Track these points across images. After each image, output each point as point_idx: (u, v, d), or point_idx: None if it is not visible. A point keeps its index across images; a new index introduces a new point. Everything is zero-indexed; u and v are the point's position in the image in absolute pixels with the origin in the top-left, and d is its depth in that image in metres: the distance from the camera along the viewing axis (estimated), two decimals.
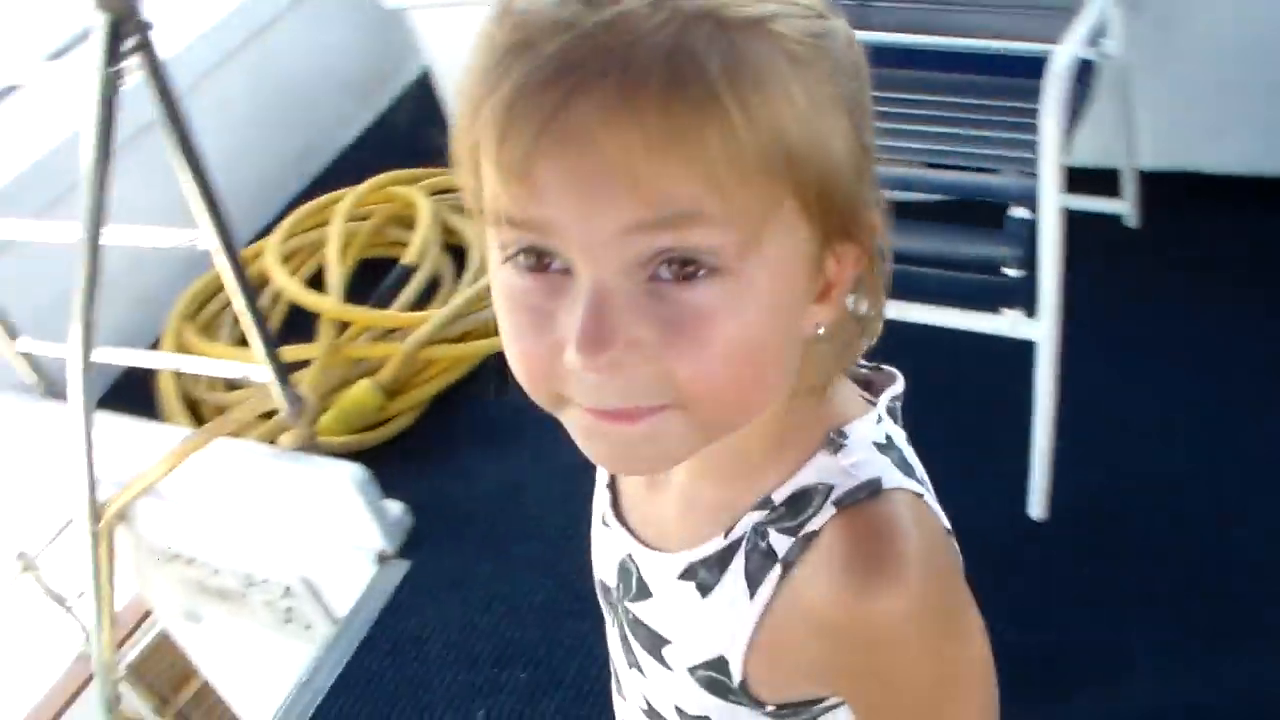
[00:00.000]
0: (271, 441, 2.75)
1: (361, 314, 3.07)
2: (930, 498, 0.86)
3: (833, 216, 0.75)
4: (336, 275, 3.24)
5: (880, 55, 0.83)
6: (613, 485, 1.02)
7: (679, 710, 0.98)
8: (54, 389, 3.24)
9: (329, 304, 3.08)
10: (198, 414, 3.24)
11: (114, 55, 2.07)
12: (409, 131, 4.06)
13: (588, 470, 0.95)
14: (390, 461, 2.74)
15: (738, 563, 0.86)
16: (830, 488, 0.83)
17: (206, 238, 2.32)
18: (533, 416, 0.82)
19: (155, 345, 3.32)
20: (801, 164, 0.70)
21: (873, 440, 0.86)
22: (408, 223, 3.54)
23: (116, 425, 3.03)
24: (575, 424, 0.78)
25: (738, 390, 0.75)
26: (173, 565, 3.48)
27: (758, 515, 0.86)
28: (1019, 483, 2.34)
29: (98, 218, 2.44)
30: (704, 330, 0.70)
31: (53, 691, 5.86)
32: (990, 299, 2.19)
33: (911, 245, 1.80)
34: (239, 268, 2.39)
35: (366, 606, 2.70)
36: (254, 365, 2.64)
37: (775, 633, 0.85)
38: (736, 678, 0.88)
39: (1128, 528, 2.35)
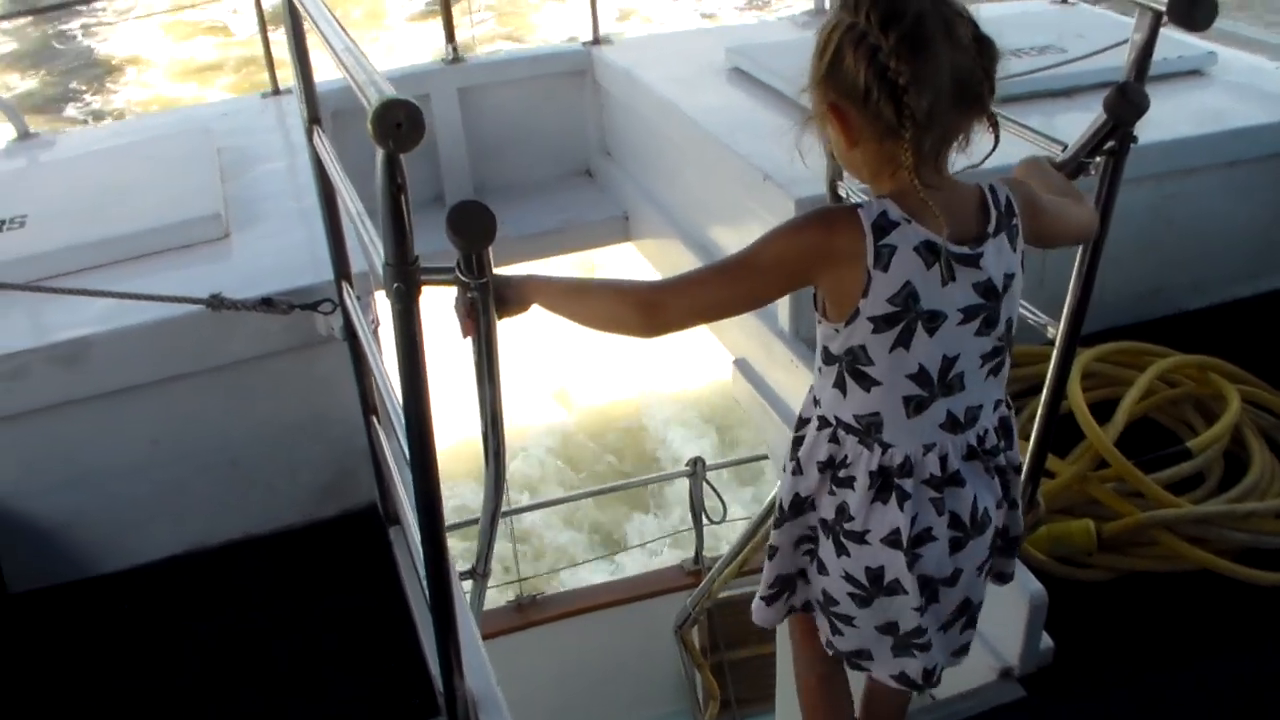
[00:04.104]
0: None
1: (1126, 466, 3.06)
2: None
3: None
4: (1122, 416, 3.26)
5: None
6: None
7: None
8: None
9: (1103, 438, 3.10)
10: None
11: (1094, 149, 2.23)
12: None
13: None
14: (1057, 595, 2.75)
15: None
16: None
17: (1059, 325, 2.43)
18: None
19: None
20: None
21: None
22: (1206, 410, 3.51)
23: None
24: None
25: None
26: None
27: None
28: None
29: None
30: None
31: (645, 578, 6.40)
32: None
33: None
34: (1068, 362, 2.47)
35: (968, 703, 2.74)
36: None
37: None
38: None
39: None
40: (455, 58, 5.20)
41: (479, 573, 3.07)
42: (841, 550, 1.98)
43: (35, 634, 3.07)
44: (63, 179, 4.10)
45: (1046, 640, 2.74)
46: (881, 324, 1.78)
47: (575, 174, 5.60)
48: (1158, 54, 2.19)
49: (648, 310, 1.84)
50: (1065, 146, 2.29)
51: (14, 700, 2.88)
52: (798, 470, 2.02)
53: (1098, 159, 2.24)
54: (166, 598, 3.18)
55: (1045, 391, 2.52)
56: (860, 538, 1.94)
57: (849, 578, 2.00)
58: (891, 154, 1.72)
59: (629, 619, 5.92)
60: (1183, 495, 3.12)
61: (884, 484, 1.90)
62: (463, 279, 1.78)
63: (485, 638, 2.94)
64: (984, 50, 1.71)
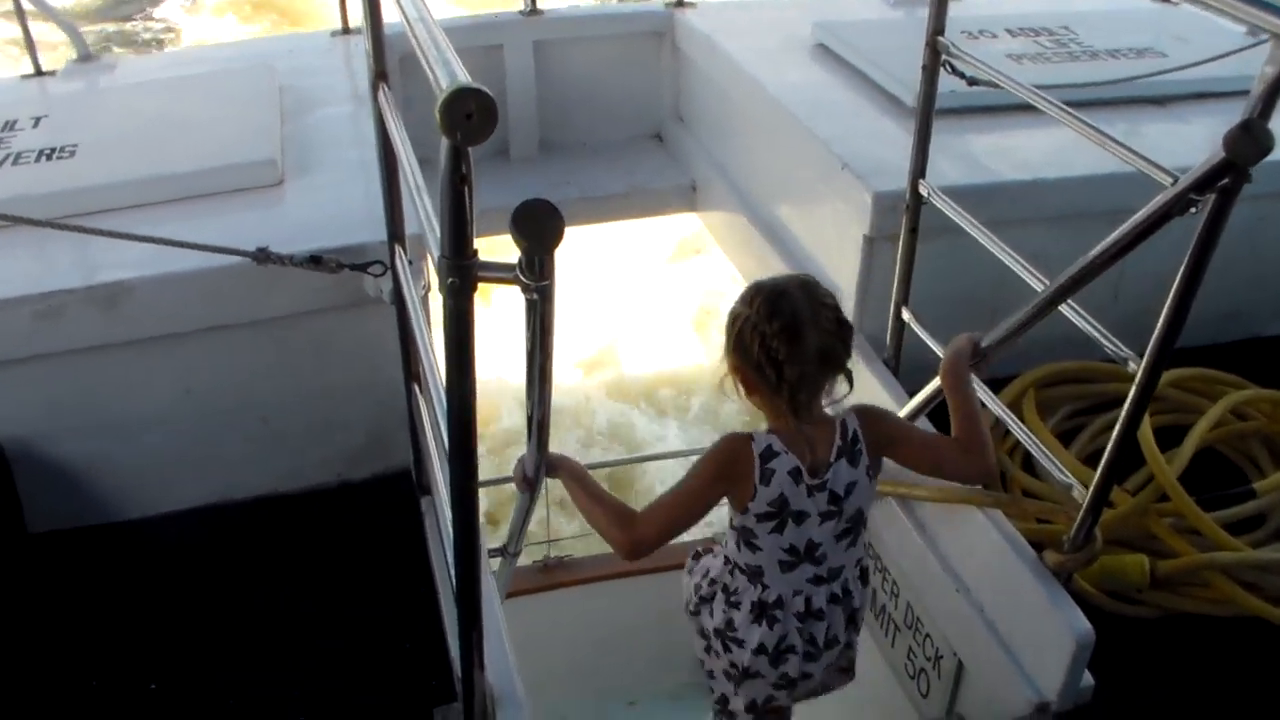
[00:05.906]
0: (1036, 546, 2.71)
1: (1187, 503, 2.94)
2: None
3: None
4: (1189, 449, 3.13)
5: None
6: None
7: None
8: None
9: (1166, 472, 2.97)
10: None
11: (1204, 185, 2.09)
12: None
13: None
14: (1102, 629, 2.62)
15: None
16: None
17: (1140, 359, 2.33)
18: None
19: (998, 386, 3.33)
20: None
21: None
22: (1275, 448, 3.40)
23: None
24: None
25: None
26: None
27: None
28: None
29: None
30: None
31: (672, 549, 6.32)
32: None
33: None
34: (1150, 390, 2.36)
35: None
36: (1077, 479, 2.61)
37: None
38: None
39: None
40: (533, 9, 5.08)
41: (510, 551, 3.00)
42: (726, 649, 2.69)
43: (50, 574, 3.05)
44: (117, 108, 4.03)
45: (1088, 678, 2.64)
46: (763, 518, 2.46)
47: (645, 138, 5.48)
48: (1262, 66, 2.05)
49: (629, 542, 2.46)
50: (1175, 179, 2.15)
51: (24, 633, 2.87)
52: (694, 570, 2.82)
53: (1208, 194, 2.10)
54: (187, 548, 3.14)
55: (1117, 430, 2.41)
56: (740, 644, 2.65)
57: (727, 672, 2.76)
58: (776, 403, 2.40)
59: (653, 588, 5.85)
60: (1242, 535, 3.02)
61: (762, 612, 2.59)
62: (523, 280, 1.67)
63: (507, 597, 2.90)
64: (842, 328, 2.38)
